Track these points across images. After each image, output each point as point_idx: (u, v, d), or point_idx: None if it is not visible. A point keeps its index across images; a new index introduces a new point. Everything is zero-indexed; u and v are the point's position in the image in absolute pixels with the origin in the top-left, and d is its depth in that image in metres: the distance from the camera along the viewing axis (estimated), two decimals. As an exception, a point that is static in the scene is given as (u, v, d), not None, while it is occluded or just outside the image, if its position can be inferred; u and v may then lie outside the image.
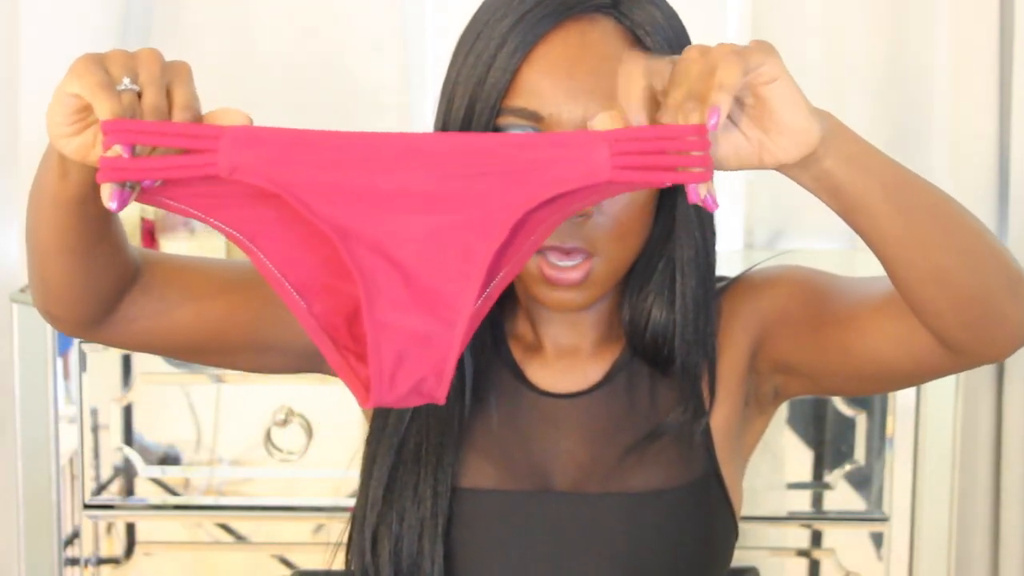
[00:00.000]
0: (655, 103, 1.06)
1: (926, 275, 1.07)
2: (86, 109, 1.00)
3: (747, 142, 1.01)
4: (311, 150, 1.01)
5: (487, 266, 1.04)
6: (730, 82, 0.96)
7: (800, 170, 1.03)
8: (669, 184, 1.00)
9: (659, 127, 1.00)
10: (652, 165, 1.00)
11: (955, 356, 1.13)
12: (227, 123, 1.01)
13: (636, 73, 1.10)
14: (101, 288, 1.16)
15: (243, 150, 1.00)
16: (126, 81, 0.99)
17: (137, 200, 1.01)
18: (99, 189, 1.06)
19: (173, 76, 1.01)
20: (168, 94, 1.00)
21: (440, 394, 1.07)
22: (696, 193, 0.99)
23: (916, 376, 1.19)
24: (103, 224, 1.11)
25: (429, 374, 1.06)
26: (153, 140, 0.98)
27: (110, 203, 0.98)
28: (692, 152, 0.98)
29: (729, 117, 1.01)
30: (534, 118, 1.15)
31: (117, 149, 0.97)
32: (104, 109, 0.97)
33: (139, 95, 0.99)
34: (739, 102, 1.01)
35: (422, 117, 2.27)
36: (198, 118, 1.00)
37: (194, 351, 1.26)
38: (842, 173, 1.03)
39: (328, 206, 1.02)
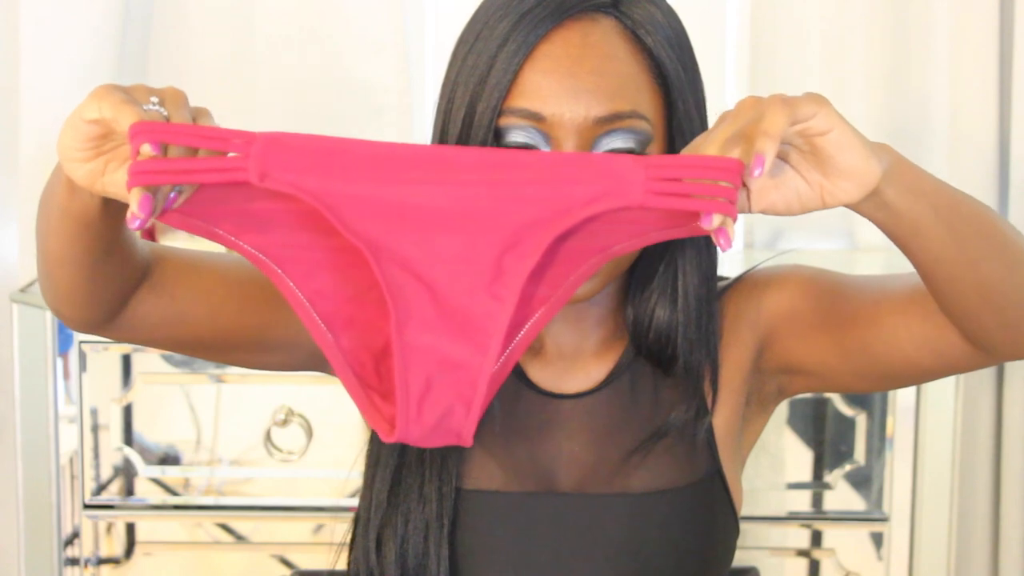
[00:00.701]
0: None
1: (971, 287, 1.08)
2: (101, 138, 1.00)
3: (808, 187, 1.02)
4: (343, 160, 0.99)
5: (520, 288, 1.02)
6: (775, 130, 0.97)
7: (861, 203, 1.04)
8: (696, 211, 0.99)
9: (696, 156, 1.00)
10: (683, 192, 0.99)
11: (984, 354, 1.15)
12: None
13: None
14: (109, 294, 1.16)
15: (274, 157, 0.97)
16: (153, 100, 0.99)
17: (161, 220, 0.98)
18: (106, 213, 1.06)
19: (198, 112, 1.01)
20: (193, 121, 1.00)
21: (467, 432, 1.05)
22: (710, 221, 0.99)
23: (938, 373, 1.20)
24: (111, 240, 1.11)
25: (457, 402, 1.04)
26: (183, 140, 0.95)
27: (135, 219, 0.95)
28: (721, 183, 0.98)
29: (789, 163, 1.02)
30: (536, 119, 1.15)
31: (147, 150, 0.95)
32: (130, 116, 0.96)
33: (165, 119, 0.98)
34: (796, 150, 1.01)
35: (422, 118, 2.27)
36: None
37: (202, 347, 1.26)
38: (900, 202, 1.04)
39: (359, 220, 0.99)
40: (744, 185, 1.01)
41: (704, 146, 1.01)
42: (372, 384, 1.05)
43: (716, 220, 0.99)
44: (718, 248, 1.24)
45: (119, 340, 1.24)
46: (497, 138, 1.16)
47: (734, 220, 1.00)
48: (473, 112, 1.17)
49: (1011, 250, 1.09)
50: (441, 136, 1.20)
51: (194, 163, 0.96)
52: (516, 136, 1.15)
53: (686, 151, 1.03)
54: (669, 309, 1.24)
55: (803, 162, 1.01)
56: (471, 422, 1.05)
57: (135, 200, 0.96)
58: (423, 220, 1.00)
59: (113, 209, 1.06)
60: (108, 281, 1.15)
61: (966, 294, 1.09)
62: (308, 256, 1.03)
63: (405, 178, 0.99)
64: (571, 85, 1.14)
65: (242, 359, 1.28)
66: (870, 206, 1.04)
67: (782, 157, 1.02)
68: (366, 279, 1.03)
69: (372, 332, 1.04)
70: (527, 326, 1.05)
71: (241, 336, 1.24)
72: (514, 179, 1.00)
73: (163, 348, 1.27)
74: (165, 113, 0.99)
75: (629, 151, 1.15)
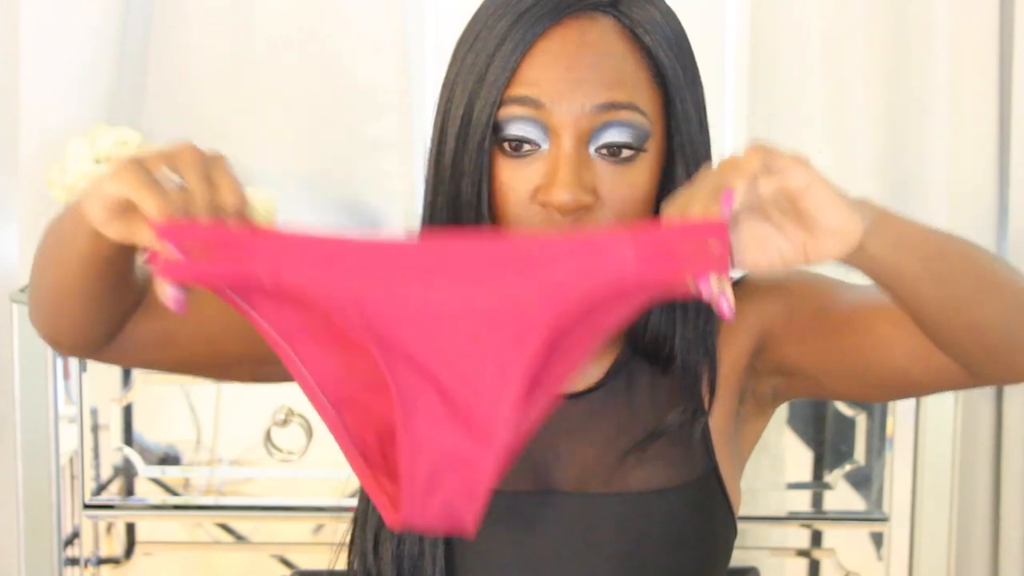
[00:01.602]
0: None
1: (959, 328, 1.08)
2: (127, 206, 1.02)
3: (791, 245, 1.01)
4: (351, 259, 1.01)
5: (523, 384, 1.04)
6: (747, 168, 0.97)
7: (845, 257, 1.04)
8: (689, 277, 1.00)
9: (680, 223, 1.00)
10: (674, 257, 0.99)
11: (974, 378, 1.15)
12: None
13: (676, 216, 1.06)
14: (113, 320, 1.18)
15: (284, 256, 1.01)
16: (171, 177, 1.01)
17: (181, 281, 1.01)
18: (126, 248, 1.08)
19: (212, 165, 1.02)
20: (211, 183, 1.01)
21: (470, 520, 1.07)
22: (709, 287, 0.99)
23: (931, 389, 1.20)
24: (126, 269, 1.13)
25: (462, 495, 1.06)
26: (201, 243, 0.99)
27: (171, 302, 1.00)
28: (710, 241, 0.98)
29: (771, 222, 1.01)
30: (534, 105, 1.15)
31: (171, 252, 0.99)
32: (151, 205, 0.99)
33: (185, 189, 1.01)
34: (778, 209, 1.00)
35: (422, 118, 2.27)
36: (244, 200, 1.01)
37: (197, 365, 1.27)
38: (884, 255, 1.03)
39: (368, 318, 1.02)
40: None
41: (688, 203, 1.00)
42: (377, 463, 1.08)
43: (714, 284, 0.99)
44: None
45: (112, 363, 1.25)
46: (496, 132, 1.16)
47: (728, 277, 0.99)
48: (471, 109, 1.17)
49: (999, 289, 1.08)
50: (440, 135, 1.21)
51: (211, 267, 1.00)
52: (514, 130, 1.16)
53: (669, 206, 1.02)
54: (666, 309, 1.24)
55: (785, 221, 1.01)
56: (475, 512, 1.07)
57: (165, 292, 1.00)
58: (429, 318, 1.02)
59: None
60: (115, 308, 1.17)
61: (954, 333, 1.09)
62: (316, 337, 1.06)
63: (412, 278, 1.02)
64: (568, 77, 1.15)
65: (237, 374, 1.28)
66: (854, 259, 1.03)
67: (763, 217, 1.01)
68: (372, 365, 1.05)
69: (377, 414, 1.07)
70: (529, 416, 1.07)
71: (231, 352, 1.25)
72: (512, 273, 1.01)
73: (159, 368, 1.27)
74: (184, 183, 1.01)
75: (626, 146, 1.16)
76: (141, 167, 1.01)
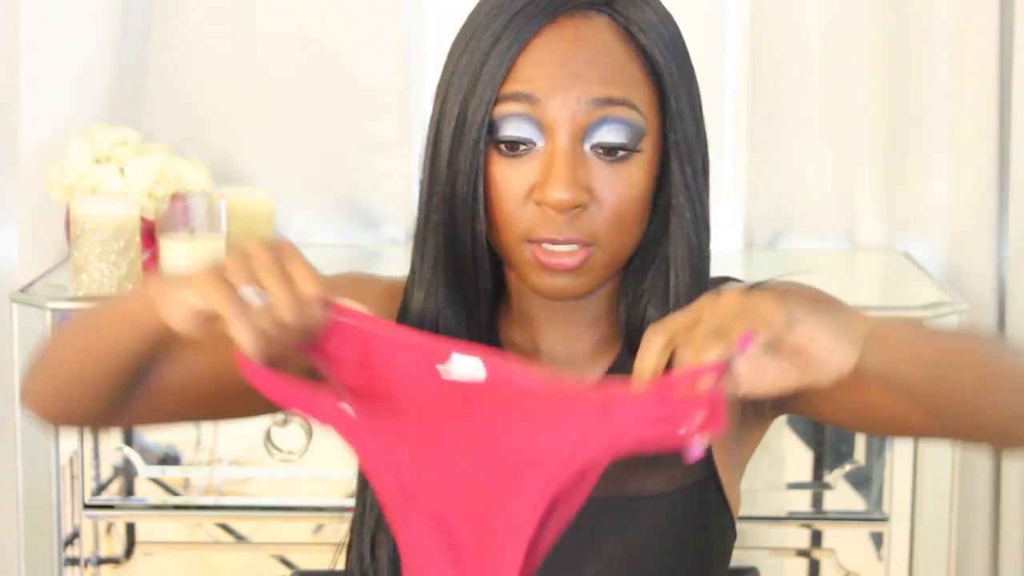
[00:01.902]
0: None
1: (952, 420, 1.10)
2: (211, 315, 1.03)
3: (788, 374, 1.02)
4: (392, 425, 1.08)
5: (531, 534, 1.06)
6: (776, 320, 0.99)
7: None
8: (683, 434, 1.01)
9: (679, 376, 1.01)
10: (668, 419, 1.01)
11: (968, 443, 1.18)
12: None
13: (656, 343, 1.05)
14: (125, 402, 1.18)
15: (340, 414, 1.09)
16: (250, 294, 1.02)
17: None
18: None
19: (286, 260, 1.03)
20: (288, 276, 1.03)
21: None
22: (700, 445, 1.01)
23: (927, 437, 1.21)
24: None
25: None
26: (279, 390, 1.07)
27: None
28: (704, 377, 1.00)
29: (767, 354, 1.02)
30: (529, 101, 1.15)
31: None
32: (244, 340, 1.01)
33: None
34: (779, 345, 1.02)
35: (422, 118, 2.27)
36: (321, 286, 1.03)
37: (188, 412, 1.26)
38: (878, 367, 1.04)
39: (399, 476, 1.08)
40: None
41: (684, 347, 1.01)
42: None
43: (704, 443, 1.01)
44: (710, 247, 1.25)
45: (111, 429, 1.26)
46: (491, 132, 1.16)
47: (721, 434, 1.01)
48: (467, 108, 1.17)
49: (999, 381, 1.10)
50: (435, 135, 1.21)
51: (285, 395, 1.08)
52: (509, 130, 1.16)
53: (656, 331, 1.04)
54: (661, 309, 1.23)
55: (786, 353, 1.02)
56: None
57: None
58: (451, 475, 1.07)
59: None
60: (131, 392, 1.18)
61: (947, 424, 1.11)
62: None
63: (440, 439, 1.07)
64: (564, 72, 1.15)
65: (236, 409, 1.26)
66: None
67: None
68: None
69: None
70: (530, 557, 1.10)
71: (222, 387, 1.22)
72: (530, 434, 1.05)
73: (160, 424, 1.27)
74: (268, 298, 1.02)
75: (621, 146, 1.16)
76: (223, 280, 1.02)
